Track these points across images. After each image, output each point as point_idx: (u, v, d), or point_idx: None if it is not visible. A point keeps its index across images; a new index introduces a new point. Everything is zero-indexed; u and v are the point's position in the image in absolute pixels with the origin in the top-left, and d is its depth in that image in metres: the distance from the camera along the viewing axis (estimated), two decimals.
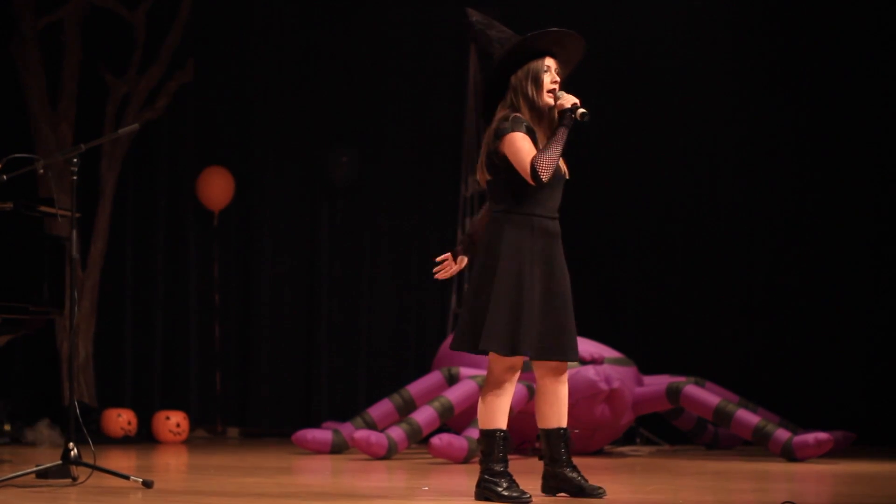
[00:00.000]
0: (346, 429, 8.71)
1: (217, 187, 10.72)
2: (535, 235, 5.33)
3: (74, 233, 6.06)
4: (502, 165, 5.35)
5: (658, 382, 8.72)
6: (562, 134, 5.31)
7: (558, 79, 5.41)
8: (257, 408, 10.87)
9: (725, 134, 10.46)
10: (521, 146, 5.28)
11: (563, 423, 5.50)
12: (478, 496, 5.37)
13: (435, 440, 7.79)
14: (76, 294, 6.15)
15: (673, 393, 8.51)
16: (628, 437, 9.58)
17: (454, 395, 8.24)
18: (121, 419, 10.00)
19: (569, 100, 5.35)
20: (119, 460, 7.91)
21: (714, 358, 10.19)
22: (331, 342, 10.90)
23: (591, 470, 6.09)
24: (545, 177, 5.23)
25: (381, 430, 8.28)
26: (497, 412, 5.35)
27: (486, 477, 5.34)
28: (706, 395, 8.45)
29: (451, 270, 5.59)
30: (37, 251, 7.14)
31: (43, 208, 7.27)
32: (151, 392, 10.79)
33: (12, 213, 7.05)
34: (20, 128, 10.34)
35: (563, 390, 5.49)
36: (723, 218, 10.44)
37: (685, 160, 10.51)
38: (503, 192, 5.38)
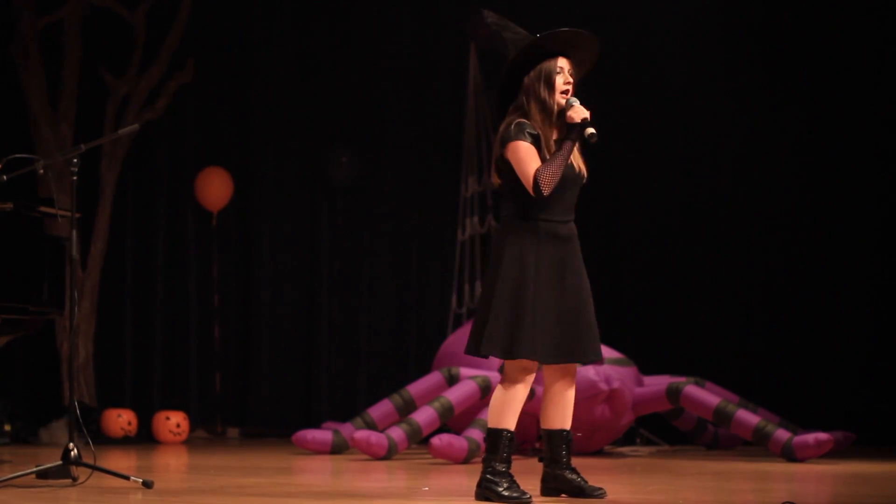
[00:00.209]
0: (346, 429, 8.71)
1: (215, 188, 10.72)
2: (540, 240, 5.34)
3: (74, 233, 6.06)
4: (507, 171, 5.37)
5: (658, 383, 8.72)
6: (567, 148, 5.31)
7: (571, 80, 5.40)
8: (257, 408, 10.87)
9: (725, 134, 10.46)
10: (523, 156, 5.29)
11: (567, 426, 5.51)
12: (478, 496, 5.37)
13: (435, 440, 7.79)
14: (76, 294, 6.15)
15: (673, 393, 8.51)
16: (628, 438, 9.58)
17: (454, 395, 8.24)
18: (121, 419, 10.01)
19: (579, 113, 5.33)
20: (119, 461, 7.91)
21: (714, 358, 10.19)
22: (331, 342, 10.90)
23: (591, 470, 6.09)
24: (546, 191, 5.25)
25: (382, 431, 8.28)
26: (507, 412, 5.36)
27: (488, 476, 5.34)
28: (706, 396, 8.45)
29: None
30: (37, 251, 7.15)
31: (43, 208, 7.27)
32: (151, 392, 10.80)
33: (12, 213, 7.05)
34: (20, 128, 10.34)
35: (570, 393, 5.51)
36: (723, 218, 10.44)
37: (685, 160, 10.52)
38: (510, 196, 5.40)
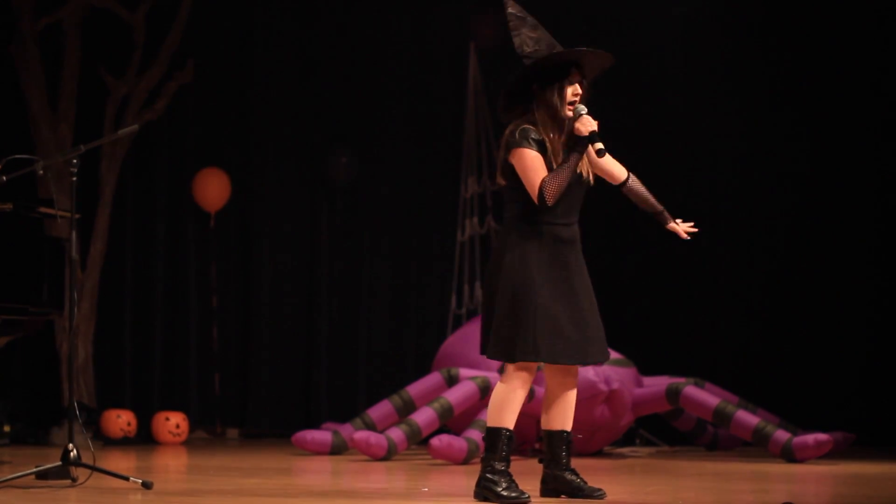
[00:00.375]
0: (346, 430, 8.71)
1: (212, 188, 10.72)
2: (542, 244, 5.34)
3: (74, 234, 6.06)
4: (511, 175, 5.37)
5: (657, 383, 8.72)
6: (574, 160, 5.32)
7: (580, 92, 5.40)
8: (257, 409, 10.87)
9: (726, 134, 10.46)
10: (529, 164, 5.30)
11: (568, 427, 5.52)
12: (477, 495, 5.38)
13: (434, 441, 7.79)
14: (76, 295, 6.15)
15: (672, 394, 8.51)
16: (628, 439, 9.58)
17: (454, 396, 8.24)
18: (120, 420, 10.00)
19: (587, 126, 5.33)
20: (118, 461, 7.91)
21: (714, 358, 10.19)
22: (330, 343, 10.90)
23: (590, 471, 6.09)
24: (551, 201, 5.27)
25: (381, 431, 8.28)
26: (506, 411, 5.36)
27: (487, 475, 5.35)
28: (706, 396, 8.45)
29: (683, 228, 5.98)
30: (36, 252, 7.15)
31: (42, 209, 7.27)
32: (151, 393, 10.79)
33: (12, 214, 7.05)
34: (20, 129, 10.33)
35: (571, 395, 5.52)
36: (723, 218, 10.43)
37: (685, 160, 10.51)
38: (514, 199, 5.41)
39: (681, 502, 5.54)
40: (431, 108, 11.03)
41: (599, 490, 5.47)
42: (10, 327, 7.08)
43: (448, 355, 8.99)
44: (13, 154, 6.36)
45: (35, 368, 10.51)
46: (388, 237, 11.01)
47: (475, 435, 7.77)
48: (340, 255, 11.01)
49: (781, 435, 8.12)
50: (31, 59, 10.32)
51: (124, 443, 9.92)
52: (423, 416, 8.18)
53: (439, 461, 7.84)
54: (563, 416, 5.51)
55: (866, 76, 10.17)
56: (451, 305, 10.61)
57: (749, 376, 10.02)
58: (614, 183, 5.66)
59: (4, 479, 5.93)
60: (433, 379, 8.63)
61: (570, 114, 5.36)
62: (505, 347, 5.30)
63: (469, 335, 8.71)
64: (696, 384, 8.63)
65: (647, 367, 9.18)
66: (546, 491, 5.54)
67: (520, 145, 5.32)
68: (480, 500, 5.35)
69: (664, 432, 9.68)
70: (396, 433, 8.07)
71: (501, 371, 5.55)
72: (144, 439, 10.15)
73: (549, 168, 5.31)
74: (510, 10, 5.45)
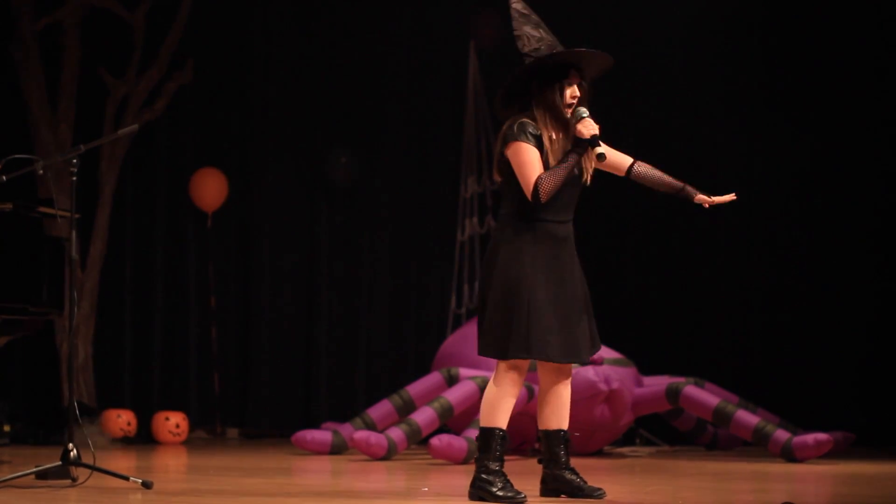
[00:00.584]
0: (346, 429, 8.71)
1: (209, 188, 10.72)
2: (537, 240, 5.34)
3: (74, 234, 6.07)
4: (507, 170, 5.37)
5: (657, 383, 8.72)
6: (573, 160, 5.33)
7: (578, 94, 5.40)
8: (257, 408, 10.87)
9: (724, 134, 10.46)
10: (525, 159, 5.30)
11: (564, 426, 5.51)
12: (471, 496, 5.38)
13: (434, 441, 7.79)
14: (75, 295, 6.15)
15: (672, 394, 8.51)
16: (628, 438, 9.58)
17: (454, 395, 8.24)
18: (120, 420, 10.00)
19: (588, 128, 5.33)
20: (118, 461, 7.91)
21: (714, 358, 10.19)
22: (330, 343, 10.90)
23: (590, 471, 6.09)
24: (544, 199, 5.27)
25: (381, 431, 8.28)
26: (499, 411, 5.36)
27: (482, 476, 5.35)
28: (706, 396, 8.45)
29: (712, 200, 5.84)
30: (36, 252, 7.14)
31: (42, 209, 7.27)
32: (151, 393, 10.79)
33: (12, 213, 7.05)
34: (19, 129, 10.33)
35: (565, 393, 5.51)
36: (723, 218, 10.42)
37: (685, 160, 10.49)
38: (510, 195, 5.41)
39: (681, 502, 5.54)
40: (431, 108, 11.03)
41: (599, 490, 5.47)
42: (10, 327, 7.08)
43: (448, 355, 8.99)
44: (13, 154, 6.36)
45: (35, 368, 10.51)
46: (387, 237, 11.02)
47: (475, 434, 7.76)
48: (340, 255, 11.01)
49: (781, 435, 8.12)
50: (30, 59, 10.32)
51: (124, 442, 9.91)
52: (423, 416, 8.18)
53: (439, 461, 7.85)
54: (558, 414, 5.50)
55: (867, 76, 10.16)
56: (451, 305, 10.61)
57: (749, 376, 10.02)
58: (620, 174, 5.62)
59: (4, 478, 5.93)
60: (433, 379, 8.64)
61: (568, 112, 5.36)
62: (497, 344, 5.30)
63: (469, 335, 8.70)
64: (696, 384, 8.63)
65: (647, 366, 9.18)
66: (546, 491, 5.53)
67: (517, 138, 5.32)
68: (475, 501, 5.35)
69: (664, 432, 9.68)
70: (396, 433, 8.07)
71: None
72: (144, 439, 10.15)
73: (545, 164, 5.31)
74: (514, 5, 5.45)
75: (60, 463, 5.91)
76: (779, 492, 6.20)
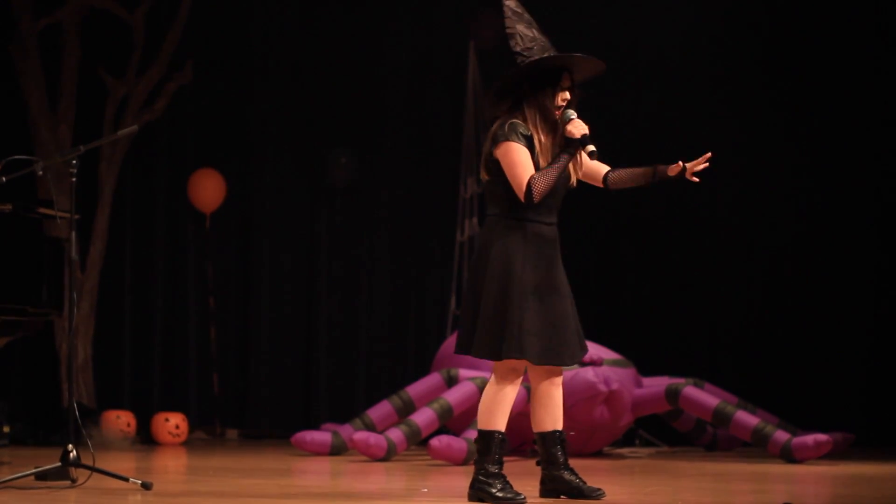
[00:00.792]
0: (346, 430, 8.71)
1: (207, 189, 10.72)
2: (527, 240, 5.34)
3: (73, 234, 6.06)
4: (496, 170, 5.37)
5: (657, 384, 8.72)
6: (565, 160, 5.33)
7: (569, 97, 5.40)
8: (256, 409, 10.87)
9: (725, 134, 10.45)
10: (516, 159, 5.29)
11: (559, 426, 5.50)
12: (471, 497, 5.38)
13: (434, 442, 7.79)
14: (75, 295, 6.15)
15: (672, 394, 8.51)
16: (627, 439, 9.58)
17: (453, 396, 8.24)
18: (120, 421, 10.00)
19: (579, 129, 5.33)
20: (118, 462, 7.90)
21: (713, 359, 10.19)
22: (329, 343, 10.91)
23: (589, 471, 6.09)
24: (538, 199, 5.27)
25: (381, 432, 8.27)
26: (497, 413, 5.36)
27: (481, 478, 5.35)
28: (705, 397, 8.45)
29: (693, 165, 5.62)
30: (36, 253, 7.14)
31: (42, 210, 7.27)
32: (150, 394, 10.79)
33: (11, 214, 7.04)
34: (19, 129, 10.33)
35: (557, 393, 5.49)
36: (722, 219, 10.44)
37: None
38: (498, 195, 5.40)
39: (680, 503, 5.53)
40: (431, 108, 11.03)
41: (599, 490, 5.47)
42: (10, 328, 7.08)
43: (447, 356, 8.99)
44: (13, 154, 6.36)
45: (35, 369, 10.51)
46: (387, 237, 11.02)
47: (475, 435, 7.76)
48: (340, 256, 11.01)
49: (781, 435, 8.12)
50: (30, 59, 10.32)
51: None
52: (423, 417, 8.18)
53: (439, 462, 7.84)
54: (552, 415, 5.49)
55: (867, 76, 10.16)
56: (451, 306, 10.60)
57: (749, 376, 10.03)
58: (598, 184, 5.61)
59: (4, 479, 5.93)
60: (433, 379, 8.64)
61: (558, 114, 5.37)
62: (491, 345, 5.29)
63: None
64: (695, 384, 8.63)
65: (646, 367, 9.18)
66: (545, 491, 5.53)
67: (508, 139, 5.32)
68: (475, 502, 5.35)
69: (664, 433, 9.68)
70: (396, 434, 8.07)
71: None
72: (144, 440, 10.15)
73: (535, 165, 5.31)
74: (507, 3, 5.45)
75: (60, 464, 5.91)
76: (778, 493, 6.20)
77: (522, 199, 5.28)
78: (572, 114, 5.36)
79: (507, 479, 5.37)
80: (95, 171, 10.54)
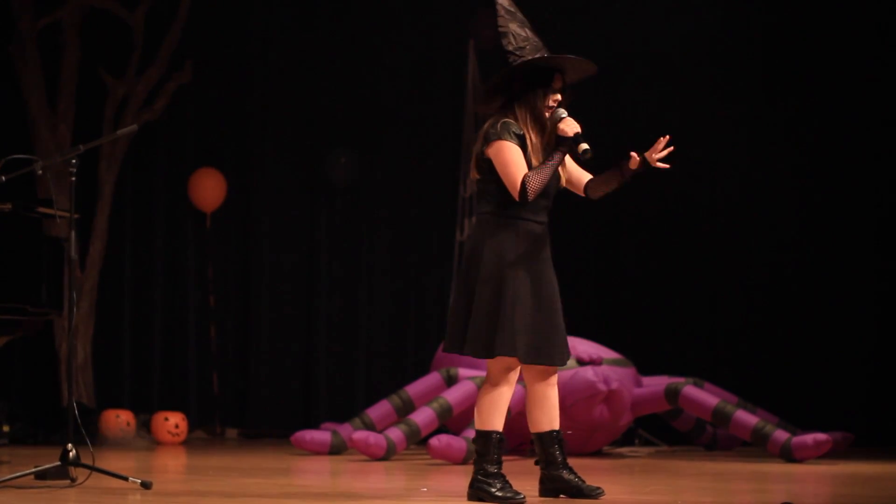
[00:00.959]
0: (345, 430, 8.71)
1: (208, 188, 10.72)
2: (519, 239, 5.34)
3: (73, 234, 6.06)
4: (488, 169, 5.37)
5: (657, 383, 8.72)
6: (558, 158, 5.33)
7: (559, 98, 5.40)
8: (256, 409, 10.87)
9: (725, 134, 10.46)
10: (509, 158, 5.29)
11: (556, 426, 5.50)
12: (470, 496, 5.38)
13: (434, 441, 7.79)
14: (75, 295, 6.15)
15: (672, 394, 8.51)
16: (627, 438, 9.58)
17: (453, 396, 8.24)
18: (119, 420, 9.99)
19: (571, 127, 5.33)
20: (118, 461, 7.90)
21: (713, 358, 10.19)
22: (329, 343, 10.91)
23: (589, 471, 6.09)
24: (532, 197, 5.27)
25: (380, 431, 8.28)
26: (494, 413, 5.36)
27: (480, 478, 5.35)
28: (705, 396, 8.45)
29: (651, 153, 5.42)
30: (35, 252, 7.14)
31: (42, 209, 7.26)
32: (150, 393, 10.79)
33: (11, 214, 7.04)
34: (19, 129, 10.33)
35: (552, 393, 5.49)
36: (722, 218, 10.44)
37: (684, 160, 10.48)
38: (489, 194, 5.40)
39: (680, 502, 5.54)
40: (430, 108, 11.04)
41: (598, 489, 5.47)
42: (9, 327, 7.08)
43: (447, 355, 8.99)
44: (12, 154, 6.36)
45: (34, 369, 10.51)
46: (387, 237, 11.02)
47: (474, 435, 7.77)
48: (339, 255, 11.01)
49: (780, 435, 8.12)
50: (30, 59, 10.32)
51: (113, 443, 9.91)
52: (423, 416, 8.19)
53: (438, 461, 7.85)
54: (548, 415, 5.49)
55: (868, 76, 10.17)
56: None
57: (748, 376, 10.03)
58: (580, 192, 5.60)
59: (3, 479, 5.92)
60: (432, 379, 8.64)
61: (548, 115, 5.37)
62: (484, 343, 5.28)
63: None
64: (695, 384, 8.63)
65: (646, 366, 9.18)
66: (545, 491, 5.53)
67: (500, 137, 5.32)
68: (474, 501, 5.35)
69: (663, 432, 9.68)
70: (395, 433, 8.07)
71: None
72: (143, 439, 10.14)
73: (527, 165, 5.31)
74: (500, 1, 5.46)
75: (59, 463, 5.91)
76: (778, 492, 6.20)
77: (516, 198, 5.28)
78: (563, 112, 5.37)
79: (507, 478, 5.37)
80: (95, 171, 10.54)
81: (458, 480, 6.52)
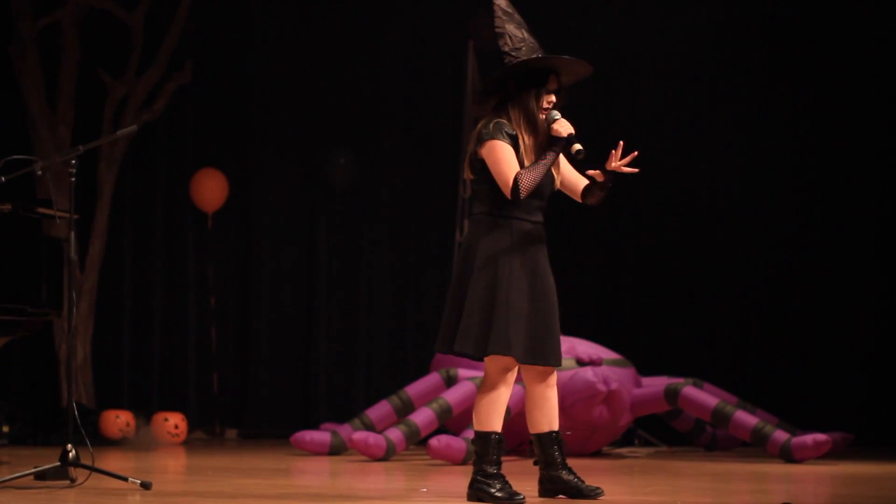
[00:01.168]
0: (345, 430, 8.71)
1: (210, 189, 10.72)
2: (514, 239, 5.34)
3: (73, 234, 6.06)
4: (481, 169, 5.37)
5: (656, 384, 8.72)
6: (551, 158, 5.34)
7: (554, 99, 5.41)
8: (256, 409, 10.87)
9: (725, 134, 10.47)
10: (502, 157, 5.30)
11: (555, 427, 5.50)
12: (470, 497, 5.38)
13: (433, 442, 7.79)
14: (74, 295, 6.15)
15: (671, 394, 8.51)
16: (627, 439, 9.58)
17: (452, 396, 8.24)
18: (119, 420, 9.99)
19: (565, 128, 5.34)
20: (117, 462, 7.90)
21: (712, 359, 10.19)
22: (329, 343, 10.91)
23: (589, 471, 6.09)
24: (524, 195, 5.27)
25: (380, 432, 8.28)
26: (492, 414, 5.36)
27: (479, 478, 5.35)
28: (704, 397, 8.45)
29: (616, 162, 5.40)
30: (35, 252, 7.14)
31: (41, 210, 7.26)
32: (150, 393, 10.79)
33: (11, 214, 7.04)
34: (18, 129, 10.33)
35: (551, 394, 5.48)
36: (722, 218, 10.44)
37: (684, 160, 10.51)
38: (484, 194, 5.41)
39: (679, 502, 5.54)
40: (430, 108, 11.03)
41: (597, 489, 5.47)
42: (9, 328, 7.08)
43: (447, 356, 8.97)
44: (12, 154, 6.36)
45: (34, 369, 10.51)
46: (386, 238, 11.02)
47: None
48: (339, 256, 11.01)
49: (780, 435, 8.12)
50: (29, 59, 10.32)
51: (123, 443, 9.91)
52: (422, 417, 8.18)
53: (438, 461, 7.85)
54: (548, 416, 5.48)
55: (868, 76, 10.17)
56: None
57: (748, 376, 10.03)
58: (577, 197, 5.60)
59: (3, 479, 5.93)
60: (432, 379, 8.64)
61: (543, 116, 5.37)
62: (476, 342, 5.28)
63: None
64: (694, 384, 8.63)
65: (645, 367, 9.18)
66: (544, 491, 5.53)
67: (493, 137, 5.32)
68: (474, 502, 5.35)
69: (663, 433, 9.68)
70: (395, 433, 8.07)
71: None
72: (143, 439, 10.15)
73: (520, 165, 5.31)
74: (498, 2, 5.46)
75: (59, 464, 5.91)
76: (778, 492, 6.20)
77: (509, 196, 5.28)
78: (556, 114, 5.37)
79: (506, 478, 5.37)
80: (95, 171, 10.54)
81: (458, 481, 6.52)
